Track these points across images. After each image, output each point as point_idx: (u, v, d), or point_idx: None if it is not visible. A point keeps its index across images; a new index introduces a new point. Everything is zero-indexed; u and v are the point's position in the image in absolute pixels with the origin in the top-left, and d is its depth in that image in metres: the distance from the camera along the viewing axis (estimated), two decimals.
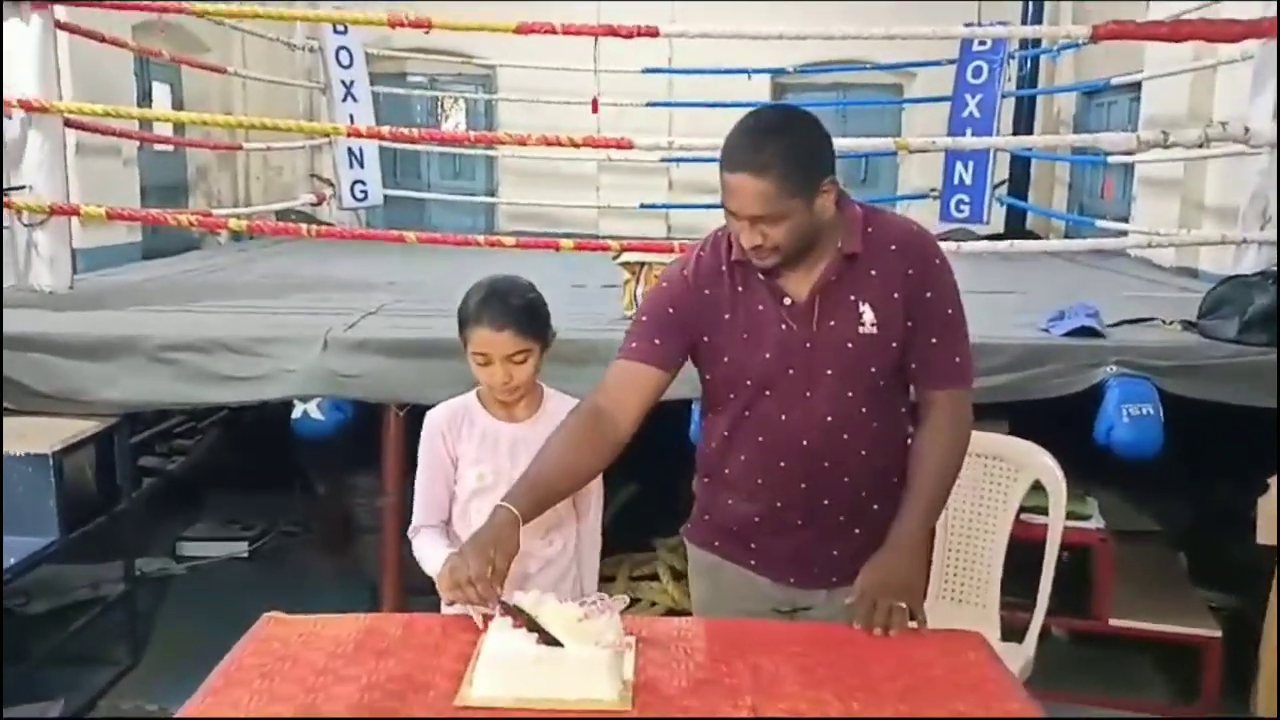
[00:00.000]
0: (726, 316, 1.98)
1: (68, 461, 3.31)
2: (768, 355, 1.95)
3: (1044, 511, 2.85)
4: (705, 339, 2.01)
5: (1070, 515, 2.90)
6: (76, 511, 3.36)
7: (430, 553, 2.11)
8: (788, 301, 1.94)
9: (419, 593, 3.59)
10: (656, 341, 2.01)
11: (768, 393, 1.97)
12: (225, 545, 4.87)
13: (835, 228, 1.92)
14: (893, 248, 1.92)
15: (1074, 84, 7.85)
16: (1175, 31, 4.38)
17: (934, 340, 1.93)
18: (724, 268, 1.99)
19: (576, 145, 4.26)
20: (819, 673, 1.73)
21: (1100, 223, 5.96)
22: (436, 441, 2.16)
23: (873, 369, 1.94)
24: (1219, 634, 3.50)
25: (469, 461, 2.14)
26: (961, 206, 6.92)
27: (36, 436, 3.28)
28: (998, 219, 7.44)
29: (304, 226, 5.32)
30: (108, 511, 3.61)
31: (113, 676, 3.67)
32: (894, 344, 1.93)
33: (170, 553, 4.78)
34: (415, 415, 3.52)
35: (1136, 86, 6.35)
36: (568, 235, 5.14)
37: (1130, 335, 3.58)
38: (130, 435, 3.83)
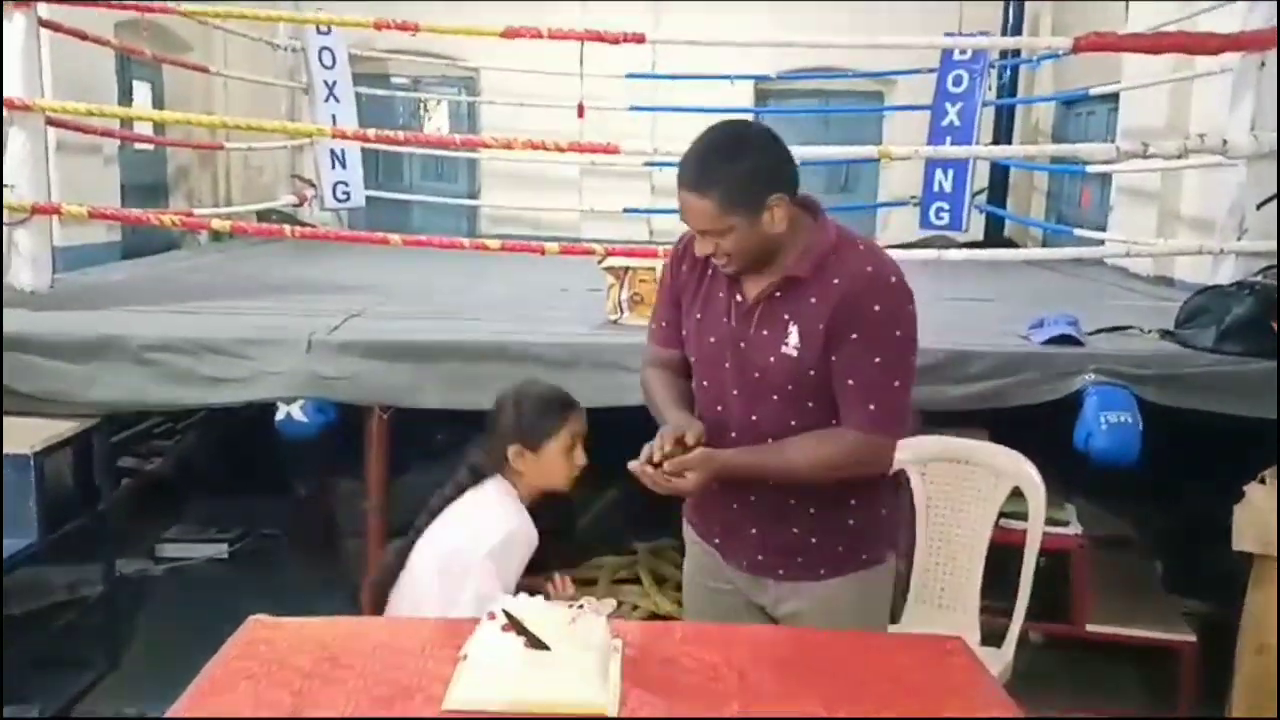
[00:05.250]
0: (691, 292, 2.12)
1: (48, 462, 3.30)
2: (712, 340, 2.07)
3: (1023, 517, 2.89)
4: (681, 306, 2.16)
5: (1048, 521, 2.93)
6: (56, 513, 3.35)
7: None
8: (738, 299, 2.02)
9: None
10: (664, 324, 2.21)
11: (705, 382, 2.10)
12: (204, 547, 4.84)
13: (799, 243, 1.97)
14: (836, 281, 1.93)
15: (1053, 94, 7.92)
16: (1155, 44, 4.43)
17: (850, 382, 1.94)
18: None
19: (563, 150, 4.26)
20: (804, 677, 1.75)
21: (1078, 231, 6.01)
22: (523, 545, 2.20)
23: (790, 387, 1.98)
24: (1194, 640, 3.54)
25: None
26: (941, 214, 6.98)
27: (16, 437, 3.25)
28: (977, 227, 7.49)
29: (287, 228, 5.29)
30: (87, 513, 3.60)
31: (92, 679, 3.65)
32: (810, 371, 1.96)
33: (149, 554, 4.75)
34: (399, 418, 3.54)
35: (1115, 97, 6.41)
36: (550, 238, 5.14)
37: (1109, 344, 3.61)
38: (109, 436, 3.81)
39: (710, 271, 2.07)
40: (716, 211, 1.90)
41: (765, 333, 1.99)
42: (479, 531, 2.17)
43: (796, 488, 2.03)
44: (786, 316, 1.97)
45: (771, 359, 1.98)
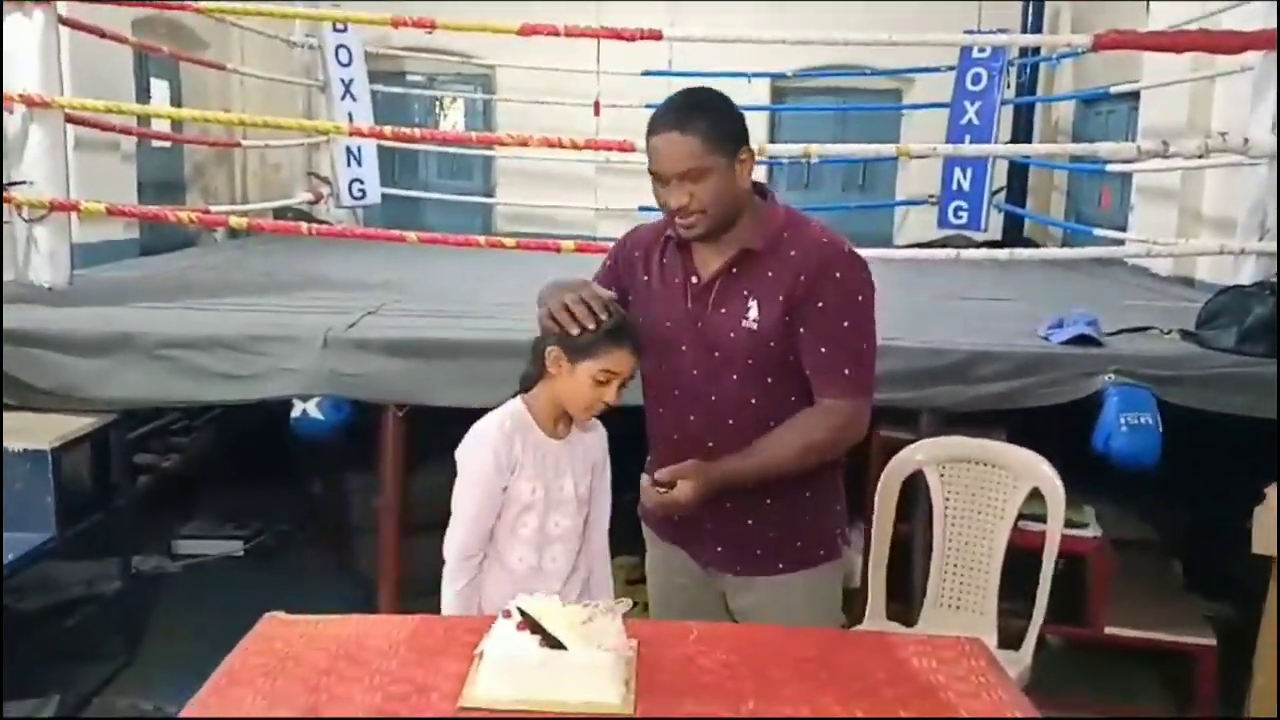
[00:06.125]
0: (645, 278, 2.15)
1: (65, 458, 3.31)
2: (668, 324, 2.08)
3: (1041, 519, 2.86)
4: (630, 296, 2.18)
5: (1067, 523, 2.90)
6: (73, 508, 3.35)
7: (463, 608, 2.09)
8: (694, 280, 2.06)
9: (417, 594, 3.60)
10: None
11: (663, 366, 2.10)
12: (220, 544, 4.86)
13: (753, 219, 2.02)
14: (793, 253, 1.99)
15: (1073, 92, 7.87)
16: (1176, 42, 4.40)
17: (822, 349, 1.99)
18: (661, 239, 2.13)
19: (579, 147, 4.26)
20: (821, 678, 1.73)
21: (1098, 231, 5.98)
22: (500, 456, 2.06)
23: (750, 361, 2.01)
24: (1214, 643, 3.51)
25: (527, 475, 2.09)
26: (960, 213, 6.95)
27: (34, 432, 3.27)
28: (995, 226, 7.45)
29: (304, 225, 5.31)
30: (104, 508, 3.61)
31: (108, 674, 3.67)
32: (771, 343, 2.00)
33: (165, 551, 4.77)
34: (414, 415, 3.54)
35: (1135, 95, 6.36)
36: (565, 237, 5.13)
37: (1129, 344, 3.59)
38: (126, 432, 3.82)
39: (663, 259, 2.11)
40: (701, 148, 1.93)
41: (724, 310, 2.03)
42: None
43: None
44: (745, 292, 2.01)
45: (731, 334, 2.01)
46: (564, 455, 2.13)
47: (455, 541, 2.10)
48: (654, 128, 1.98)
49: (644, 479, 1.99)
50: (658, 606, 2.34)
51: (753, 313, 2.00)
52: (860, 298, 1.99)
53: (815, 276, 1.96)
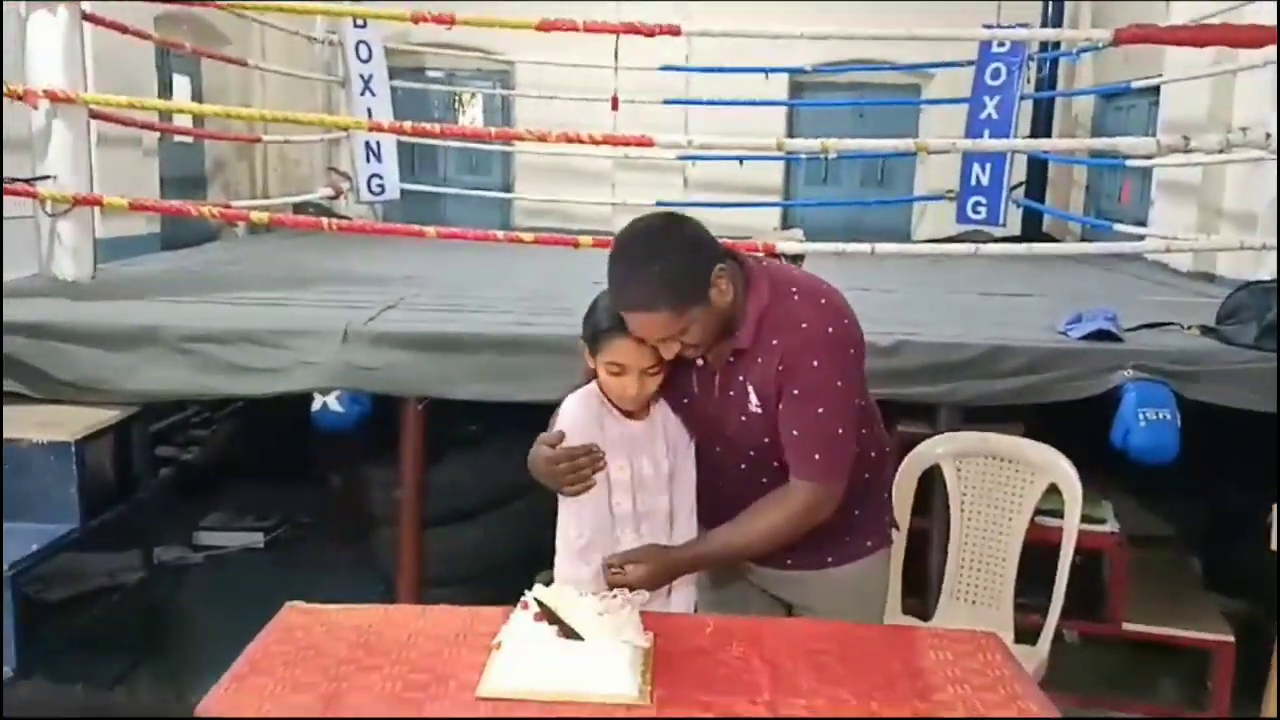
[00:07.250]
0: None
1: (89, 450, 3.34)
2: (685, 401, 2.13)
3: (1059, 514, 2.86)
4: None
5: (1084, 518, 2.90)
6: (96, 500, 3.39)
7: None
8: (700, 363, 2.06)
9: (436, 584, 3.63)
10: None
11: (693, 437, 2.15)
12: (241, 535, 4.89)
13: (745, 307, 1.99)
14: (774, 342, 1.98)
15: (1093, 87, 7.82)
16: (1198, 36, 4.37)
17: (794, 433, 2.00)
18: None
19: (597, 142, 4.27)
20: (836, 670, 1.75)
21: (1118, 226, 5.94)
22: (590, 429, 2.08)
23: (766, 440, 2.03)
24: (1231, 639, 3.49)
25: (615, 453, 2.09)
26: (978, 208, 6.90)
27: (58, 425, 3.30)
28: (1014, 221, 7.42)
29: (324, 220, 5.33)
30: (126, 500, 3.64)
31: (131, 664, 3.70)
32: (776, 426, 2.02)
33: (187, 542, 4.81)
34: (434, 409, 3.56)
35: (1155, 90, 6.32)
36: (583, 231, 5.14)
37: (1148, 339, 3.57)
38: (148, 425, 3.85)
39: None
40: (674, 316, 1.90)
41: (731, 393, 2.05)
42: None
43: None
44: (742, 379, 2.03)
45: (743, 418, 2.04)
46: (642, 436, 2.14)
47: (561, 530, 2.11)
48: (619, 305, 1.94)
49: (601, 559, 2.02)
50: (703, 596, 2.33)
51: (753, 399, 2.02)
52: (839, 383, 1.97)
53: (792, 364, 1.96)
